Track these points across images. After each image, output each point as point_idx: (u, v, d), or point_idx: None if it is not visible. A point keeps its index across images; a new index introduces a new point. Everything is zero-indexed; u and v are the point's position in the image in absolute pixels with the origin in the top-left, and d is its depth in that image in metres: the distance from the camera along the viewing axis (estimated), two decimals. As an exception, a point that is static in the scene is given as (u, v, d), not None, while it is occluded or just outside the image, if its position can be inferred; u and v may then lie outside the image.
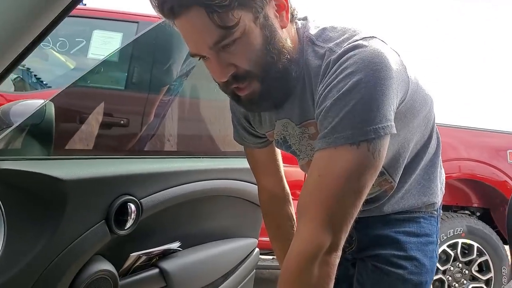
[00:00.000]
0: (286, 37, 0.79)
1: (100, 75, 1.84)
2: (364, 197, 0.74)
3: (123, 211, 1.01)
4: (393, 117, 0.74)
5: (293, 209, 1.11)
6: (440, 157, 1.04)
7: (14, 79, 2.66)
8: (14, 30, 0.63)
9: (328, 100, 0.73)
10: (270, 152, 1.05)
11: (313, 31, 0.82)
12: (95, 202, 0.97)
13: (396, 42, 0.85)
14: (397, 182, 0.91)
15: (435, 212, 1.03)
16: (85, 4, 3.38)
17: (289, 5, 0.79)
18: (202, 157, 1.33)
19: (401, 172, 0.91)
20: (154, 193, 1.10)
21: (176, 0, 0.69)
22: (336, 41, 0.78)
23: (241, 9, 0.70)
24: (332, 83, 0.73)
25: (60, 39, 2.68)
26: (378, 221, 0.98)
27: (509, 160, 2.96)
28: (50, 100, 1.00)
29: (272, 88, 0.78)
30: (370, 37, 0.76)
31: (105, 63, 1.76)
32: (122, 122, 1.39)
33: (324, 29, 0.82)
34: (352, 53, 0.73)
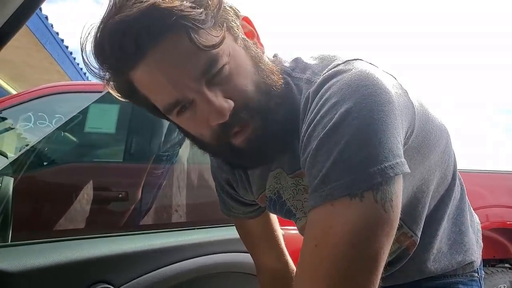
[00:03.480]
0: (270, 62, 0.66)
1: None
2: (382, 266, 0.52)
3: (97, 304, 0.82)
4: (402, 151, 0.55)
5: None
6: (468, 202, 0.85)
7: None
8: None
9: (313, 141, 0.56)
10: (264, 222, 0.88)
11: (287, 63, 0.70)
12: (58, 297, 0.79)
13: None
14: (419, 237, 0.72)
15: (476, 274, 0.82)
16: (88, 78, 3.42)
17: (258, 33, 0.67)
18: (194, 229, 1.15)
19: (423, 223, 0.72)
20: (136, 278, 0.92)
21: (142, 27, 0.53)
22: (313, 69, 0.64)
23: (219, 27, 0.57)
24: (316, 119, 0.56)
25: (56, 115, 2.65)
26: None
27: (542, 203, 2.72)
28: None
29: (275, 123, 0.62)
30: (354, 59, 0.61)
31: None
32: (94, 194, 1.24)
33: (297, 58, 0.69)
34: (334, 80, 0.57)
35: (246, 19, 0.65)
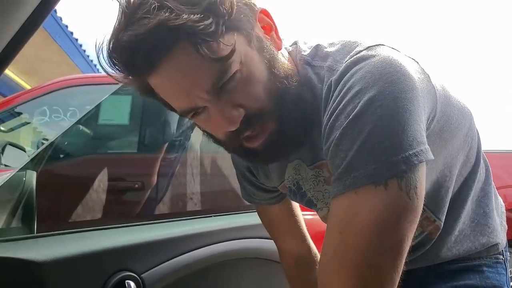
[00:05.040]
0: (285, 58, 0.65)
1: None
2: (405, 253, 0.53)
3: (121, 291, 0.84)
4: (425, 138, 0.55)
5: None
6: (493, 184, 0.84)
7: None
8: None
9: (336, 130, 0.56)
10: (286, 207, 0.88)
11: (306, 51, 0.68)
12: (83, 284, 0.81)
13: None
14: (442, 221, 0.72)
15: (501, 257, 0.81)
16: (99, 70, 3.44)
17: (276, 25, 0.65)
18: (213, 216, 1.16)
19: (446, 207, 0.72)
20: (157, 266, 0.93)
21: (150, 42, 0.52)
22: (334, 57, 0.63)
23: (231, 34, 0.56)
24: (338, 108, 0.56)
25: (70, 109, 2.69)
26: (430, 274, 0.78)
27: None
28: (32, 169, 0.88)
29: (291, 122, 0.62)
30: (376, 45, 0.60)
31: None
32: (116, 185, 1.26)
33: (318, 45, 0.68)
34: (357, 67, 0.57)
35: (264, 12, 0.64)
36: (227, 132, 0.60)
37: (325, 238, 0.56)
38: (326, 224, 0.59)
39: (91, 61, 6.67)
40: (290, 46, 0.71)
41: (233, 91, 0.57)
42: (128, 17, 0.54)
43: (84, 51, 6.38)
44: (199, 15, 0.52)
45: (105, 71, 0.59)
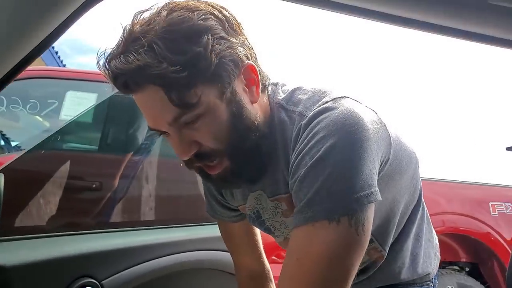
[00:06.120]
0: (257, 111, 0.73)
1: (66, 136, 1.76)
2: (352, 279, 0.63)
3: (81, 296, 0.88)
4: (376, 182, 0.65)
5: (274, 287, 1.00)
6: (428, 219, 0.96)
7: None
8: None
9: (301, 169, 0.65)
10: (246, 225, 0.95)
11: (281, 95, 0.77)
12: (46, 289, 0.84)
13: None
14: (387, 252, 0.83)
15: (431, 284, 0.94)
16: (65, 65, 3.35)
17: (260, 78, 0.73)
18: (175, 227, 1.22)
19: (391, 239, 0.83)
20: (118, 273, 0.97)
21: (129, 77, 0.63)
22: (305, 104, 0.72)
23: (205, 86, 0.64)
24: (304, 150, 0.66)
25: (30, 100, 2.61)
26: None
27: (492, 213, 2.92)
28: None
29: (244, 166, 0.71)
30: (341, 97, 0.70)
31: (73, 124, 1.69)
32: (83, 188, 1.28)
33: (293, 91, 0.77)
34: (322, 116, 0.66)
35: (251, 67, 0.71)
36: (181, 159, 0.69)
37: (283, 263, 0.65)
38: (283, 249, 0.68)
39: (56, 53, 6.44)
40: (270, 85, 0.80)
41: (193, 128, 0.66)
42: (124, 46, 0.63)
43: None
44: (177, 67, 0.61)
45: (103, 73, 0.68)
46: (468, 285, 2.77)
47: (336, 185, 0.61)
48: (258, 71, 0.72)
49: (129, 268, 1.00)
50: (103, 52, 0.66)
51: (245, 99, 0.70)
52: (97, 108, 2.06)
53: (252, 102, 0.71)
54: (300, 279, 0.61)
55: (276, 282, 0.90)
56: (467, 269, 3.04)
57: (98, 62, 0.66)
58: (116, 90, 0.67)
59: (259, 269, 0.98)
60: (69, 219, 1.23)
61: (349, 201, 0.61)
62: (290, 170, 0.69)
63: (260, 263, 0.98)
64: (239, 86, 0.69)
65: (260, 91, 0.73)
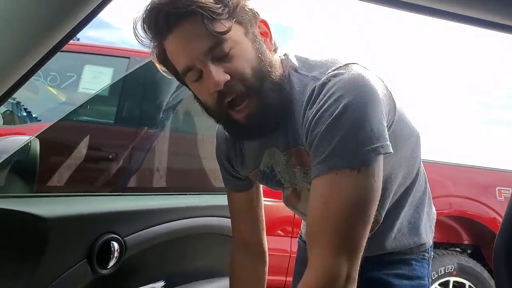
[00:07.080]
0: (276, 59, 0.82)
1: (89, 110, 1.85)
2: (372, 219, 0.73)
3: (106, 249, 0.98)
4: (387, 136, 0.74)
5: (266, 274, 1.07)
6: (430, 195, 1.03)
7: (3, 112, 2.66)
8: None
9: (320, 125, 0.73)
10: (249, 198, 1.02)
11: (295, 62, 0.85)
12: (77, 240, 0.94)
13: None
14: (382, 217, 0.89)
15: (427, 254, 1.01)
16: (79, 39, 3.42)
17: (271, 35, 0.83)
18: (189, 194, 1.31)
19: (387, 206, 0.90)
20: (138, 231, 1.07)
21: (173, 8, 0.70)
22: (319, 70, 0.80)
23: (233, 22, 0.74)
24: (323, 108, 0.73)
25: (51, 73, 2.70)
26: (369, 263, 0.95)
27: (498, 197, 2.97)
28: (35, 137, 0.99)
29: (270, 102, 0.78)
30: (352, 63, 0.78)
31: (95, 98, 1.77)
32: (110, 156, 1.37)
33: (306, 59, 0.85)
34: (336, 78, 0.74)
35: (264, 22, 0.82)
36: (214, 94, 0.76)
37: (310, 206, 0.75)
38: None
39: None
40: (282, 56, 0.87)
41: (225, 62, 0.75)
42: None
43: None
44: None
45: (136, 36, 0.77)
46: (469, 265, 2.85)
47: (355, 138, 0.71)
48: (269, 26, 0.82)
49: (148, 228, 1.09)
50: (138, 14, 0.74)
51: (264, 44, 0.80)
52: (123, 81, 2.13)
53: (269, 50, 0.81)
54: (329, 220, 0.71)
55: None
56: (468, 251, 3.11)
57: (135, 24, 0.75)
58: (137, 65, 0.76)
59: (256, 242, 1.05)
60: (96, 182, 1.33)
61: (367, 151, 0.71)
62: (307, 128, 0.77)
63: (258, 236, 1.05)
64: (257, 33, 0.80)
65: (273, 46, 0.82)
